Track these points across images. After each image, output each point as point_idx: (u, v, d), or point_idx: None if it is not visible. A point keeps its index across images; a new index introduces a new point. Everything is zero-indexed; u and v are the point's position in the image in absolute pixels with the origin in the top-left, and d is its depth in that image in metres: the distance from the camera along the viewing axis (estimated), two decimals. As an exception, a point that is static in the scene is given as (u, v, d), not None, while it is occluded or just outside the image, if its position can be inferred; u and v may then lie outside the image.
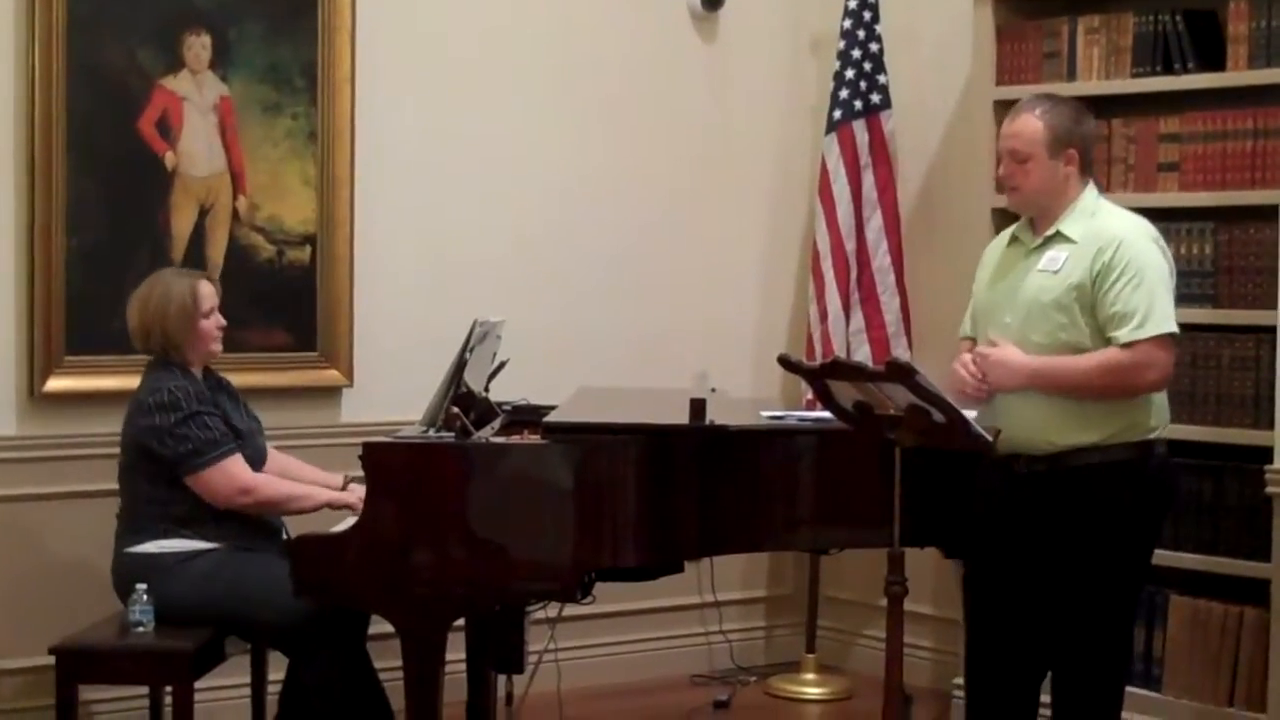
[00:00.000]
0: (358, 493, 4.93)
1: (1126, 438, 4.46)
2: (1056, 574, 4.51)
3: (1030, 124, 4.54)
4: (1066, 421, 4.46)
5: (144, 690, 5.14)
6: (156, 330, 4.93)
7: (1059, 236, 4.53)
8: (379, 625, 4.75)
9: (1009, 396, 4.49)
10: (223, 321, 5.03)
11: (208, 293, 5.00)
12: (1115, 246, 4.43)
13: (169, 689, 4.91)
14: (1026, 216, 4.65)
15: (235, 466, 4.87)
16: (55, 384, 5.41)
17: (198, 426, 4.83)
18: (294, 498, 4.98)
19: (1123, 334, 4.39)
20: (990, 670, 4.70)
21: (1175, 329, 4.45)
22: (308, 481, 5.16)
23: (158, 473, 4.86)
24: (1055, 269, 4.49)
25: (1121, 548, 4.50)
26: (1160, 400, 4.55)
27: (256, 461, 5.02)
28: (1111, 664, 4.58)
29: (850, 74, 6.41)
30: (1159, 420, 4.54)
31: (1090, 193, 4.59)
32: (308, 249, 5.80)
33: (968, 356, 4.61)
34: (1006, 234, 4.75)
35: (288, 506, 4.98)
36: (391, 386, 5.80)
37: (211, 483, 4.84)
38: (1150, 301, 4.40)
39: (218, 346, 5.03)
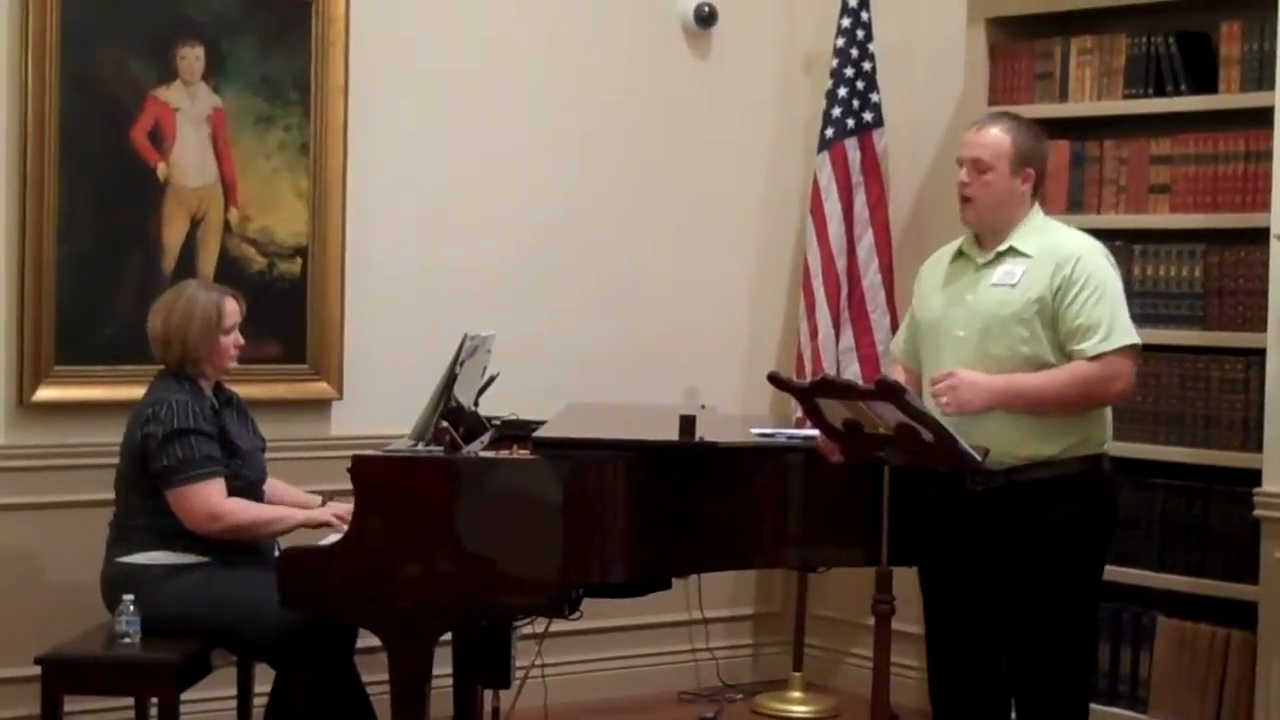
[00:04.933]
0: (334, 508, 4.94)
1: (1080, 452, 4.52)
2: (1012, 589, 4.53)
3: (997, 137, 4.57)
4: (1026, 435, 4.49)
5: (129, 701, 5.12)
6: (177, 341, 4.93)
7: (1012, 251, 4.57)
8: (367, 639, 4.74)
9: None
10: (241, 340, 5.03)
11: (232, 310, 5.00)
12: (1074, 261, 4.48)
13: (154, 700, 4.89)
14: (972, 232, 4.67)
15: (208, 490, 4.83)
16: (45, 393, 5.40)
17: (181, 445, 4.81)
18: (265, 521, 4.94)
19: (1089, 346, 4.44)
20: (953, 694, 4.71)
21: (1138, 340, 4.52)
22: (287, 502, 5.15)
23: (147, 484, 4.86)
24: (1013, 282, 4.52)
25: (1074, 562, 4.54)
26: (1108, 415, 4.62)
27: (256, 482, 5.01)
28: (1072, 683, 4.59)
29: (843, 92, 6.42)
30: (1108, 434, 4.62)
31: (1038, 212, 4.64)
32: (299, 261, 5.80)
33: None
34: (948, 250, 4.76)
35: (260, 530, 4.95)
36: (381, 400, 5.79)
37: (184, 503, 4.82)
38: (1113, 314, 4.46)
39: (232, 363, 5.03)
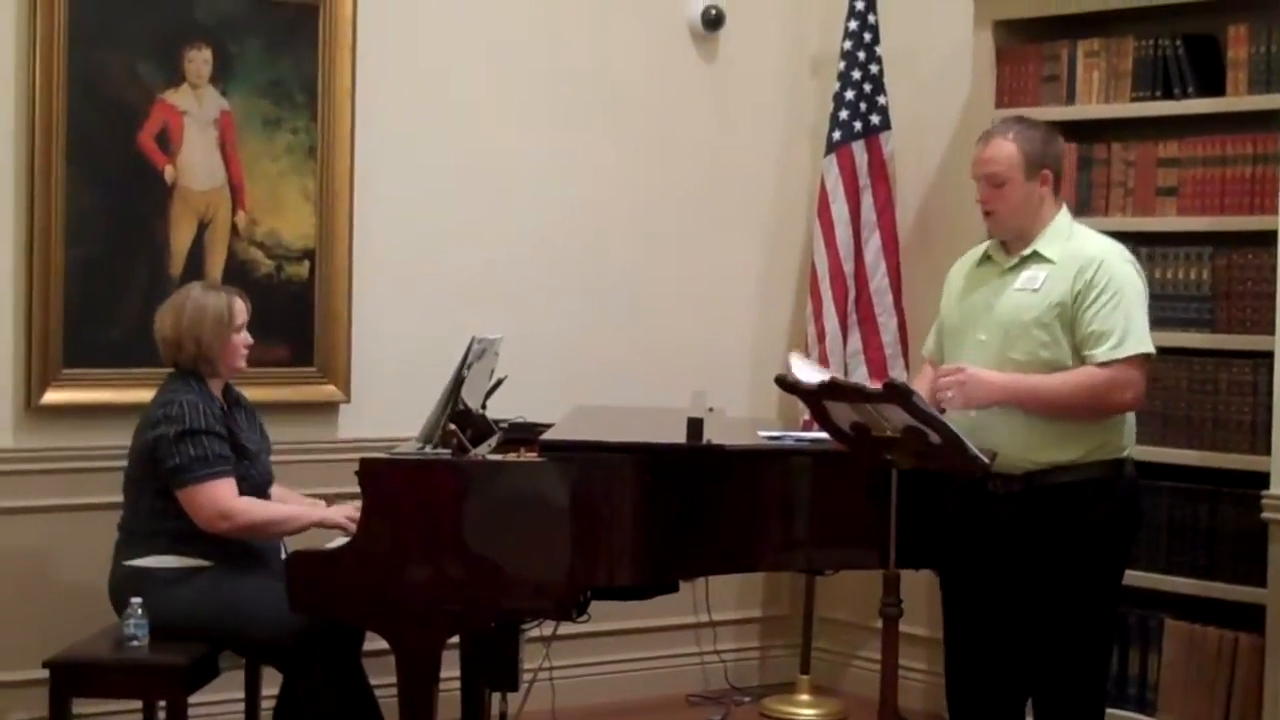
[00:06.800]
0: (345, 510, 4.93)
1: (1099, 456, 4.51)
2: (1031, 593, 4.53)
3: (1004, 148, 4.57)
4: (1043, 440, 4.48)
5: (138, 704, 5.12)
6: (190, 342, 4.93)
7: (1036, 256, 4.57)
8: (375, 641, 4.75)
9: (987, 415, 4.50)
10: (250, 340, 5.04)
11: (240, 308, 5.02)
12: (1096, 266, 4.48)
13: (162, 703, 4.90)
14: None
15: (220, 489, 4.83)
16: (53, 396, 5.41)
17: (193, 444, 4.81)
18: (277, 520, 4.94)
19: (1100, 353, 4.43)
20: (970, 693, 4.70)
21: (1151, 350, 4.51)
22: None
23: (158, 485, 4.86)
24: (1035, 287, 4.52)
25: (1094, 566, 4.54)
26: (1130, 420, 4.61)
27: (263, 484, 5.01)
28: (1090, 684, 4.59)
29: (850, 95, 6.41)
30: (1129, 440, 4.60)
31: (1064, 215, 4.64)
32: (306, 264, 5.80)
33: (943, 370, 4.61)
34: (975, 253, 4.77)
35: (271, 530, 4.95)
36: (389, 402, 5.79)
37: (195, 502, 4.82)
38: (1128, 322, 4.45)
39: (243, 363, 5.04)
